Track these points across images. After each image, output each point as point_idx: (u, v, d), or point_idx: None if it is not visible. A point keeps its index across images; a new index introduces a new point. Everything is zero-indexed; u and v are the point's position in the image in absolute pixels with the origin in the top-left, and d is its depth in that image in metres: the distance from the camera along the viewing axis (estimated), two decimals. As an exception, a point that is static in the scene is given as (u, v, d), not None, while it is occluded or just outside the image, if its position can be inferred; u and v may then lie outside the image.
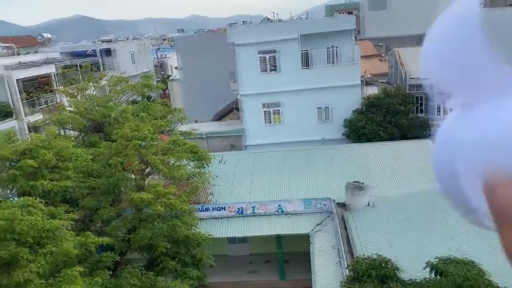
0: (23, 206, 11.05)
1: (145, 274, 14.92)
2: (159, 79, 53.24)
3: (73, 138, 21.17)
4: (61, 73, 31.77)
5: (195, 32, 58.41)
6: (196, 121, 33.68)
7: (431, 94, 0.55)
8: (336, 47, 27.55)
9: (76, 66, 34.81)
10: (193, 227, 16.81)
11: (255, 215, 20.80)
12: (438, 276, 12.14)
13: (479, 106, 0.41)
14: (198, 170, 18.81)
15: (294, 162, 23.91)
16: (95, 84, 24.14)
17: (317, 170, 23.07)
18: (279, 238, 20.73)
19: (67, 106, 24.18)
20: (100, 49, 43.66)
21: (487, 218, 0.38)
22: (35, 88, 31.25)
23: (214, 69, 37.82)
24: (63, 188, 14.18)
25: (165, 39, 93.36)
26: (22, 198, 12.00)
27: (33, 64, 34.34)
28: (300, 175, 22.89)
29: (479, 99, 0.43)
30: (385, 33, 46.79)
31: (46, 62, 36.56)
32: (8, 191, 16.43)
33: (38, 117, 28.22)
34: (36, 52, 42.29)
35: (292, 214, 20.60)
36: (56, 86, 31.41)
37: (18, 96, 27.81)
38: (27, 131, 26.26)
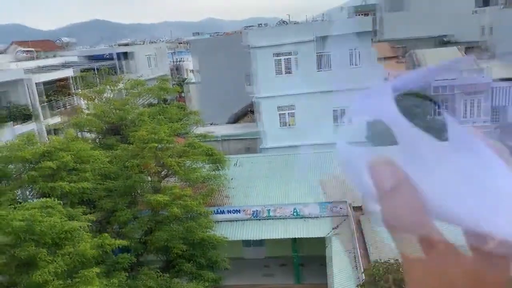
0: (42, 207, 11.21)
1: (161, 276, 14.99)
2: (175, 82, 53.65)
3: (90, 141, 21.45)
4: (79, 77, 32.26)
5: (210, 35, 58.76)
6: (211, 124, 33.81)
7: None
8: (353, 49, 27.36)
9: (94, 69, 35.31)
10: (209, 230, 16.84)
11: (270, 218, 20.73)
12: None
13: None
14: (214, 172, 18.86)
15: (310, 165, 23.77)
16: (113, 87, 24.43)
17: (333, 173, 22.87)
18: (294, 242, 20.62)
19: (85, 109, 24.54)
20: (117, 53, 44.21)
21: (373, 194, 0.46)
22: (54, 92, 31.78)
23: (229, 72, 37.93)
24: (81, 190, 14.36)
25: (181, 43, 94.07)
26: (41, 199, 12.18)
27: (52, 68, 34.96)
28: (316, 178, 22.73)
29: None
30: (403, 34, 46.29)
31: (65, 65, 37.19)
32: (28, 193, 16.72)
33: (56, 120, 28.67)
34: (55, 56, 43.05)
35: (308, 217, 20.46)
36: (74, 89, 31.90)
37: (37, 99, 28.31)
38: (45, 134, 26.71)
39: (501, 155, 0.47)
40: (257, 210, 20.86)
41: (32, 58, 39.06)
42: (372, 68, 27.78)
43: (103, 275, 11.87)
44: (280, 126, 28.85)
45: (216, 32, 70.50)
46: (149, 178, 17.10)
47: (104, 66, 32.34)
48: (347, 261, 17.20)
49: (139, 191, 17.04)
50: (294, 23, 36.92)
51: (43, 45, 53.34)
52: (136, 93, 24.44)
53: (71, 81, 32.63)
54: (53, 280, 9.94)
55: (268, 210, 20.77)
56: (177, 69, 65.09)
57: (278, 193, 22.06)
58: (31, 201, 13.87)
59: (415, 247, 0.44)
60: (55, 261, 10.24)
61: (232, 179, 22.27)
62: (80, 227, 11.63)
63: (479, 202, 0.41)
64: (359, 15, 57.88)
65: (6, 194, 13.89)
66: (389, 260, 13.41)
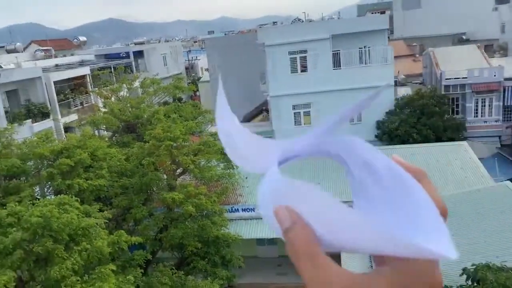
0: (59, 204, 11.35)
1: (175, 273, 15.07)
2: (189, 81, 53.91)
3: (107, 139, 21.68)
4: (96, 75, 32.65)
5: (225, 34, 58.89)
6: (226, 122, 33.80)
7: None
8: (369, 47, 27.11)
9: (110, 68, 35.68)
10: (223, 228, 16.87)
11: (284, 217, 20.68)
12: (474, 284, 11.69)
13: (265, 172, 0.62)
14: (228, 171, 18.86)
15: (324, 165, 23.64)
16: (128, 86, 24.65)
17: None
18: (308, 241, 20.53)
19: (101, 107, 24.81)
20: (133, 52, 44.61)
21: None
22: (71, 90, 32.24)
23: (244, 71, 37.95)
24: (97, 187, 14.51)
25: (196, 41, 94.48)
26: (58, 196, 12.34)
27: (69, 66, 35.47)
28: (329, 177, 22.60)
29: (265, 168, 0.63)
30: (419, 32, 45.69)
31: (81, 64, 37.69)
32: (45, 189, 16.98)
33: (73, 117, 29.07)
34: (72, 54, 43.67)
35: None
36: (91, 87, 32.30)
37: (55, 97, 28.74)
38: (63, 131, 27.10)
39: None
40: (271, 209, 20.83)
41: (49, 57, 39.68)
42: (387, 66, 27.49)
43: (118, 271, 11.98)
44: (295, 125, 28.75)
45: (231, 31, 70.62)
46: (165, 176, 17.20)
47: (120, 65, 32.64)
48: (362, 260, 17.05)
49: (154, 189, 17.15)
50: (310, 21, 36.72)
51: (61, 44, 54.16)
52: (152, 92, 24.61)
53: (88, 79, 33.04)
54: (71, 276, 10.07)
55: (282, 209, 20.72)
56: (191, 67, 65.39)
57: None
58: (49, 197, 14.07)
59: (312, 275, 0.55)
60: (72, 257, 10.37)
61: (246, 178, 22.28)
62: (97, 224, 11.75)
63: (353, 233, 0.52)
64: (374, 13, 57.33)
65: (25, 190, 14.12)
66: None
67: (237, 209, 21.10)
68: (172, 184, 16.61)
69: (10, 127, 17.02)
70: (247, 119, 35.66)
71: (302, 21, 39.37)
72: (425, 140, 25.82)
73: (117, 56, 43.52)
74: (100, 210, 13.70)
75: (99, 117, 21.83)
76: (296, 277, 19.04)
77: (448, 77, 28.91)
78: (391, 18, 44.01)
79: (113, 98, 24.33)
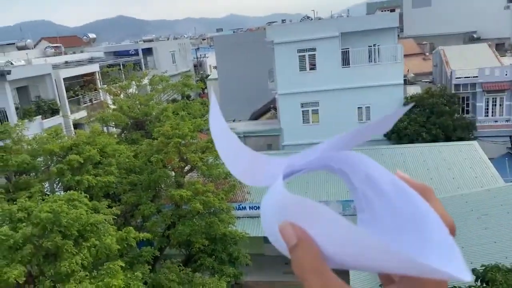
0: (68, 200, 11.44)
1: (183, 270, 15.13)
2: (198, 78, 54.01)
3: (115, 135, 21.80)
4: (105, 72, 32.82)
5: (233, 32, 58.88)
6: (233, 120, 33.90)
7: None
8: (378, 45, 26.93)
9: (119, 65, 35.86)
10: (230, 225, 16.89)
11: (292, 215, 20.67)
12: (484, 285, 11.59)
13: (269, 186, 0.63)
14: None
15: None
16: (137, 83, 24.75)
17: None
18: (316, 239, 20.50)
19: (110, 104, 24.94)
20: (141, 49, 44.77)
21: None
22: (80, 87, 32.45)
23: (252, 68, 37.91)
24: (106, 183, 14.60)
25: (204, 39, 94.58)
26: (67, 192, 12.44)
27: (79, 64, 35.71)
28: (338, 176, 22.51)
29: (268, 182, 0.64)
30: (429, 31, 45.30)
31: (91, 61, 37.93)
32: (54, 185, 17.13)
33: (82, 114, 29.27)
34: (82, 51, 43.94)
35: (329, 215, 20.29)
36: (100, 84, 32.48)
37: (65, 94, 28.95)
38: (72, 128, 27.30)
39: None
40: (278, 207, 20.84)
41: (59, 54, 39.97)
42: (397, 65, 27.30)
43: (127, 267, 12.05)
44: (303, 123, 28.67)
45: (239, 28, 70.55)
46: (173, 173, 17.26)
47: (129, 62, 32.79)
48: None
49: (162, 186, 17.22)
50: (319, 19, 36.57)
51: (70, 41, 54.53)
52: (161, 89, 24.69)
53: (97, 76, 33.24)
54: (80, 271, 10.16)
55: (290, 207, 20.71)
56: (200, 65, 65.50)
57: (299, 191, 21.96)
58: (58, 193, 14.20)
59: None
60: (81, 253, 10.45)
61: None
62: (105, 220, 11.83)
63: (361, 250, 0.52)
64: (384, 11, 56.95)
65: (34, 186, 14.25)
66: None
67: (245, 206, 21.13)
68: (180, 181, 16.66)
69: (20, 123, 17.18)
70: (255, 116, 35.64)
71: (311, 19, 39.22)
72: (434, 139, 25.63)
73: (126, 53, 43.71)
74: (109, 207, 13.79)
75: (108, 114, 21.96)
76: (303, 276, 18.86)
77: (458, 76, 28.63)
78: (400, 16, 43.64)
79: (122, 95, 24.45)
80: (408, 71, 35.30)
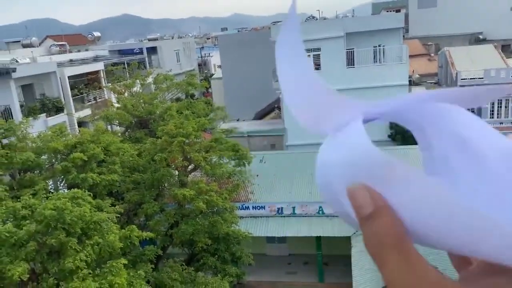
0: (72, 197, 11.45)
1: (185, 269, 15.14)
2: (202, 77, 54.05)
3: (119, 134, 21.83)
4: (109, 70, 32.88)
5: (238, 31, 58.85)
6: (237, 120, 33.88)
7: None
8: (383, 46, 26.85)
9: (124, 63, 35.92)
10: (234, 225, 16.89)
11: (295, 216, 20.63)
12: None
13: (340, 132, 0.51)
14: (239, 168, 18.86)
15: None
16: (142, 82, 24.78)
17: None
18: (319, 240, 20.46)
19: (115, 103, 24.99)
20: (146, 48, 44.83)
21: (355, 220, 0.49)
22: (85, 85, 32.53)
23: (256, 68, 37.89)
24: (110, 181, 14.62)
25: (209, 38, 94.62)
26: (71, 190, 12.46)
27: (83, 62, 35.79)
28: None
29: (336, 129, 0.52)
30: (435, 31, 45.10)
31: (96, 59, 38.01)
32: (58, 183, 17.17)
33: (87, 112, 29.35)
34: (87, 50, 44.05)
35: (333, 216, 20.25)
36: (104, 83, 32.55)
37: (69, 92, 29.03)
38: (76, 126, 27.37)
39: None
40: (281, 207, 20.80)
41: (64, 52, 40.09)
42: (402, 65, 27.20)
43: (129, 266, 12.06)
44: (307, 123, 28.62)
45: (244, 28, 70.55)
46: (176, 172, 17.26)
47: (133, 61, 32.84)
48: (372, 263, 16.91)
49: (166, 185, 17.22)
50: (324, 19, 36.50)
51: (75, 39, 54.68)
52: (165, 88, 24.71)
53: (101, 74, 33.30)
54: (84, 268, 10.17)
55: (293, 208, 20.67)
56: (204, 64, 65.53)
57: (303, 191, 21.92)
58: (62, 191, 14.23)
59: (400, 273, 0.45)
60: (85, 250, 10.47)
61: (257, 175, 22.26)
62: (108, 218, 11.84)
63: (463, 227, 0.43)
64: (389, 11, 56.77)
65: (39, 184, 14.28)
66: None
67: (248, 206, 21.11)
68: (184, 180, 16.67)
69: (25, 121, 17.21)
70: (259, 116, 35.61)
71: (316, 19, 39.15)
72: (439, 141, 25.54)
73: (130, 52, 43.79)
74: (112, 205, 13.80)
75: (112, 112, 21.99)
76: (305, 276, 18.93)
77: (464, 77, 28.51)
78: (406, 16, 43.50)
79: (126, 94, 24.49)
80: (413, 72, 35.18)
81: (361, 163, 0.46)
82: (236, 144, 18.40)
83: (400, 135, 26.53)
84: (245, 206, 21.04)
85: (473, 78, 28.35)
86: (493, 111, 28.20)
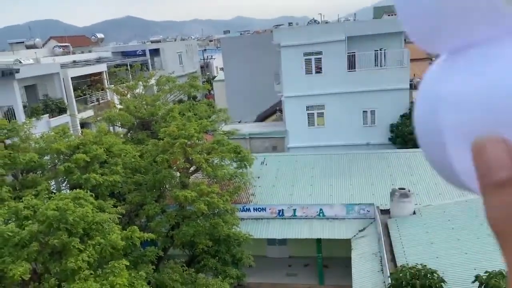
0: (75, 198, 11.56)
1: (186, 270, 15.21)
2: (204, 79, 54.19)
3: (122, 135, 21.94)
4: (112, 72, 33.03)
5: (240, 34, 58.99)
6: (239, 122, 33.98)
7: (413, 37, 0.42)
8: (385, 49, 26.93)
9: (126, 65, 36.08)
10: (234, 227, 16.95)
11: (295, 218, 20.69)
12: (488, 291, 11.55)
13: (471, 51, 0.36)
14: (241, 170, 18.95)
15: (337, 166, 23.58)
16: (144, 83, 24.91)
17: (360, 175, 22.62)
18: (319, 242, 20.51)
19: (117, 104, 25.12)
20: (149, 49, 45.01)
21: (472, 180, 0.37)
22: (88, 86, 32.68)
23: (258, 70, 38.01)
24: (112, 182, 14.72)
25: (211, 40, 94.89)
26: (74, 190, 12.56)
27: (87, 63, 35.96)
28: (342, 179, 22.53)
29: (471, 43, 0.36)
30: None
31: (98, 61, 38.18)
32: (60, 184, 17.28)
33: (89, 113, 29.48)
34: (90, 51, 44.23)
35: (333, 218, 20.31)
36: (107, 84, 32.69)
37: (72, 93, 29.17)
38: (79, 127, 27.50)
39: None
40: (282, 209, 20.86)
41: (67, 53, 40.27)
42: (403, 69, 27.27)
43: (131, 267, 12.14)
44: (308, 126, 28.70)
45: (246, 30, 70.70)
46: (178, 174, 17.35)
47: (136, 62, 33.00)
48: (373, 265, 16.98)
49: (167, 186, 17.31)
50: (325, 23, 36.60)
51: (79, 40, 54.92)
52: (167, 90, 24.84)
53: (104, 76, 33.45)
54: (86, 268, 10.26)
55: (294, 210, 20.73)
56: (206, 66, 65.68)
57: (304, 193, 21.99)
58: (65, 192, 14.33)
59: None
60: (87, 250, 10.56)
61: (258, 177, 22.34)
62: (110, 219, 11.93)
63: None
64: (391, 15, 56.89)
65: (41, 184, 14.39)
66: (416, 265, 13.17)
67: (249, 208, 21.18)
68: (185, 182, 16.75)
69: (28, 121, 17.34)
70: (261, 118, 35.70)
71: (318, 23, 39.27)
72: (440, 144, 25.54)
73: (133, 53, 43.96)
74: (114, 206, 13.90)
75: (115, 114, 22.11)
76: (305, 278, 18.93)
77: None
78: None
79: (129, 95, 24.62)
80: (414, 75, 35.23)
81: (500, 105, 0.32)
82: (237, 146, 18.50)
83: (401, 138, 26.57)
84: (246, 208, 21.10)
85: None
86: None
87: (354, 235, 19.32)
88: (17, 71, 24.27)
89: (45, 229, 10.83)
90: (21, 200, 11.86)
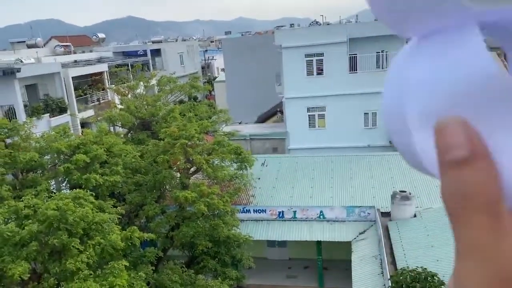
0: (75, 198, 11.52)
1: (185, 271, 15.17)
2: (205, 80, 54.18)
3: (122, 135, 21.91)
4: (113, 72, 33.02)
5: (242, 35, 58.97)
6: (240, 123, 33.94)
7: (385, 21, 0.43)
8: (386, 51, 26.89)
9: (127, 65, 36.07)
10: (234, 228, 16.91)
11: (295, 220, 20.64)
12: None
13: (436, 37, 0.38)
14: (241, 171, 18.92)
15: (338, 168, 23.53)
16: (145, 84, 24.88)
17: (361, 177, 22.57)
18: (319, 245, 20.45)
19: (118, 104, 25.09)
20: (150, 50, 45.00)
21: (434, 166, 0.38)
22: (89, 86, 32.67)
23: (259, 71, 37.99)
24: (112, 183, 14.68)
25: (213, 41, 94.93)
26: (74, 190, 12.53)
27: (88, 63, 35.95)
28: (343, 181, 22.49)
29: (437, 30, 0.38)
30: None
31: (100, 61, 38.17)
32: (60, 184, 17.24)
33: (90, 113, 29.46)
34: (91, 51, 44.24)
35: (334, 221, 20.26)
36: (108, 84, 32.68)
37: (73, 93, 29.16)
38: (79, 127, 27.47)
39: None
40: (282, 211, 20.81)
41: (69, 53, 40.27)
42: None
43: (130, 267, 12.11)
44: (309, 127, 28.66)
45: (247, 31, 70.73)
46: (178, 174, 17.32)
47: (137, 63, 32.99)
48: (373, 267, 16.93)
49: (167, 187, 17.28)
50: (327, 24, 36.60)
51: (80, 40, 54.93)
52: (168, 90, 24.81)
53: (105, 76, 33.44)
54: (85, 269, 10.21)
55: (294, 212, 20.68)
56: (207, 67, 65.68)
57: (304, 195, 21.94)
58: (65, 191, 14.29)
59: (488, 239, 0.36)
60: (87, 251, 10.52)
61: (259, 179, 22.29)
62: (110, 219, 11.90)
63: None
64: (393, 17, 56.84)
65: (41, 184, 14.36)
66: (417, 268, 13.13)
67: (249, 209, 21.13)
68: (185, 182, 16.72)
69: (29, 121, 17.32)
70: (262, 119, 35.66)
71: (320, 24, 39.26)
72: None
73: (134, 53, 43.95)
74: (114, 206, 13.86)
75: (115, 114, 22.09)
76: (305, 281, 18.87)
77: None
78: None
79: (129, 95, 24.59)
80: (415, 78, 35.20)
81: (470, 84, 0.35)
82: (238, 147, 18.46)
83: (402, 141, 26.52)
84: (246, 210, 21.05)
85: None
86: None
87: (355, 238, 19.26)
88: (18, 70, 24.26)
89: (45, 229, 10.79)
90: (21, 200, 11.83)
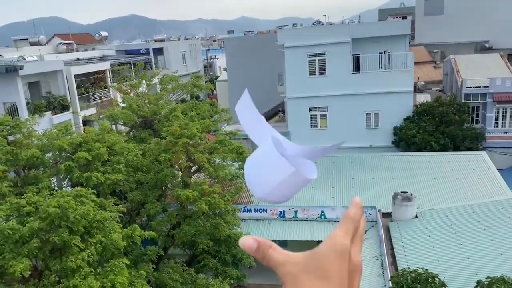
0: (76, 196, 11.53)
1: (186, 270, 15.17)
2: (207, 79, 54.18)
3: (124, 133, 21.92)
4: (116, 70, 33.02)
5: (244, 34, 58.94)
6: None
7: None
8: (389, 52, 26.85)
9: (130, 63, 36.09)
10: (235, 227, 16.91)
11: (296, 220, 20.64)
12: (489, 297, 11.48)
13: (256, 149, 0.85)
14: (242, 171, 18.87)
15: (339, 168, 23.51)
16: (148, 82, 24.88)
17: (362, 177, 22.56)
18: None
19: (120, 102, 25.10)
20: (152, 48, 45.01)
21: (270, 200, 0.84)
22: (91, 84, 32.70)
23: (261, 71, 37.98)
24: (114, 181, 14.68)
25: (215, 40, 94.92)
26: (75, 188, 12.54)
27: (90, 61, 35.99)
28: (344, 181, 22.47)
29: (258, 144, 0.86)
30: (441, 39, 45.07)
31: (102, 59, 38.20)
32: (62, 181, 17.26)
33: (92, 111, 29.49)
34: (93, 49, 44.27)
35: (335, 221, 20.24)
36: (110, 82, 32.70)
37: (75, 91, 29.19)
38: (81, 124, 27.50)
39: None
40: (283, 211, 20.81)
41: (71, 51, 40.31)
42: (407, 72, 27.19)
43: (131, 265, 12.11)
44: (311, 127, 28.64)
45: (250, 31, 70.71)
46: (179, 173, 17.32)
47: (140, 61, 33.00)
48: (374, 268, 16.90)
49: (169, 185, 17.28)
50: (330, 24, 36.54)
51: (82, 38, 54.97)
52: (170, 89, 24.80)
53: (107, 74, 33.46)
54: (86, 267, 10.22)
55: (295, 212, 20.68)
56: (210, 66, 65.67)
57: (305, 195, 21.93)
58: (67, 189, 14.30)
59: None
60: (88, 249, 10.53)
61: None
62: (111, 217, 11.91)
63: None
64: (396, 17, 56.78)
65: (43, 181, 14.37)
66: (418, 269, 13.11)
67: (250, 209, 21.13)
68: (187, 181, 16.72)
69: (31, 118, 17.34)
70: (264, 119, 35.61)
71: (323, 24, 39.21)
72: (443, 149, 25.44)
73: (137, 52, 43.98)
74: (115, 204, 13.87)
75: (118, 112, 22.09)
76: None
77: (469, 85, 28.44)
78: (412, 23, 43.47)
79: (132, 94, 24.60)
80: (418, 79, 35.15)
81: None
82: (240, 147, 18.43)
83: (404, 142, 26.48)
84: (247, 209, 21.06)
85: (478, 87, 28.28)
86: (497, 120, 28.12)
87: (355, 238, 19.22)
88: (21, 67, 24.30)
89: (46, 226, 10.81)
90: (22, 197, 11.84)
